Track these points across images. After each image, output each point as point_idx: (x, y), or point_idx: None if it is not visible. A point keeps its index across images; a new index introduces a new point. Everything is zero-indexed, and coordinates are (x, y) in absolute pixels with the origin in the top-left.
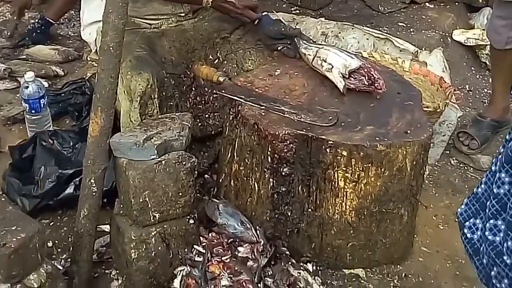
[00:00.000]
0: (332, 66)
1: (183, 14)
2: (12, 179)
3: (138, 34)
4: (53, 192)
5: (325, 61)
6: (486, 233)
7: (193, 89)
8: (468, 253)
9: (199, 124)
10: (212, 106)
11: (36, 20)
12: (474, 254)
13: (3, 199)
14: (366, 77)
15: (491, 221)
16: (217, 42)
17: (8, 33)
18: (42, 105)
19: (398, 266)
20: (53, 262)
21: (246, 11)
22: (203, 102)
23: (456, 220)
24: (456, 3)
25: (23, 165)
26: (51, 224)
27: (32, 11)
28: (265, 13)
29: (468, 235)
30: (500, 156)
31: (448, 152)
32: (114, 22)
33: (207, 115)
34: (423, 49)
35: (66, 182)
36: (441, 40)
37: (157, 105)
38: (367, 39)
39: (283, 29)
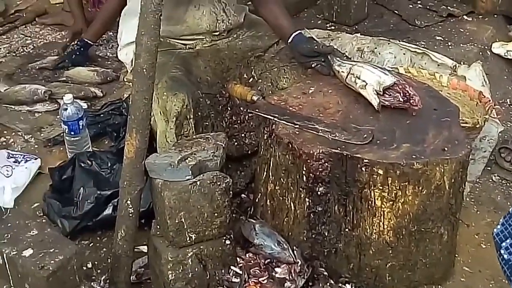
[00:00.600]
0: (366, 83)
1: (217, 33)
2: (52, 201)
3: (173, 55)
4: (92, 213)
5: (359, 78)
6: None
7: (229, 108)
8: (506, 275)
9: (236, 143)
10: (248, 125)
11: (76, 42)
12: None
13: (43, 220)
14: (401, 94)
15: None
16: (251, 60)
17: (58, 51)
18: (80, 126)
19: (440, 286)
20: (92, 283)
21: None
22: (238, 121)
23: (493, 240)
24: (495, 15)
25: (63, 187)
26: (90, 245)
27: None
28: (298, 31)
29: (505, 256)
30: None
31: (489, 168)
32: (147, 44)
33: (243, 135)
34: (462, 63)
35: (104, 203)
36: (480, 53)
37: (193, 125)
38: (404, 54)
39: (316, 47)
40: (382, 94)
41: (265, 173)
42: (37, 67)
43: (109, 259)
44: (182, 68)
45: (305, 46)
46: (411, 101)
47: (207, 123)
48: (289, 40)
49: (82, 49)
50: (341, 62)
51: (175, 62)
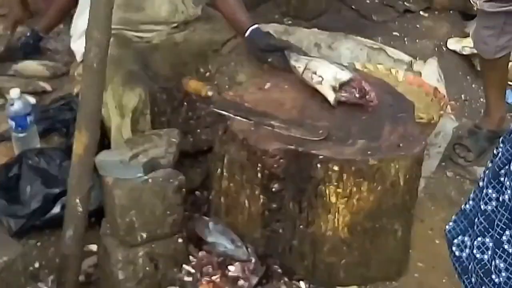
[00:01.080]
0: (323, 79)
1: (175, 25)
2: None
3: (130, 48)
4: (39, 212)
5: (315, 74)
6: (474, 251)
7: (184, 104)
8: (457, 272)
9: (191, 139)
10: (204, 121)
11: (27, 34)
12: (463, 273)
13: None
14: (357, 90)
15: (479, 238)
16: (208, 55)
17: (2, 48)
18: (28, 122)
19: (394, 282)
20: (39, 284)
21: None
22: (195, 117)
23: (444, 237)
24: (451, 11)
25: (9, 184)
26: (37, 244)
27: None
28: (255, 25)
29: (457, 253)
30: (487, 172)
31: (444, 164)
32: (98, 37)
33: (199, 130)
34: (418, 58)
35: (53, 201)
36: (436, 49)
37: (149, 120)
38: (361, 49)
39: (272, 42)
40: (338, 89)
41: (219, 169)
42: None
43: (57, 259)
44: (138, 62)
45: (262, 41)
46: (367, 97)
47: (163, 119)
48: (246, 34)
49: (33, 41)
50: (297, 57)
51: (132, 55)
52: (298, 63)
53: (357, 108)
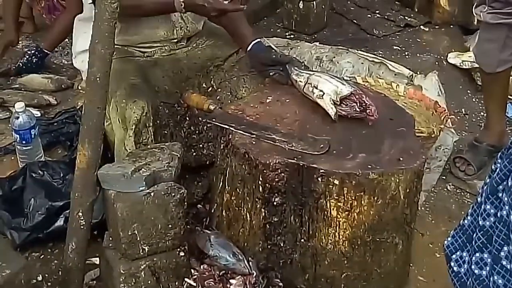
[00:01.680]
0: (324, 93)
1: (175, 41)
2: (2, 212)
3: (132, 62)
4: (43, 225)
5: (316, 88)
6: (473, 267)
7: (187, 118)
8: (455, 287)
9: (194, 153)
10: (206, 135)
11: (32, 51)
12: None
13: None
14: (358, 104)
15: (477, 254)
16: (210, 70)
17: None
18: (32, 135)
19: None
20: None
21: (219, 5)
22: (197, 131)
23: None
24: (451, 26)
25: (13, 197)
26: (41, 257)
27: (26, 39)
28: (257, 39)
29: (455, 269)
30: (485, 187)
31: (444, 177)
32: (101, 52)
33: (201, 145)
34: (418, 72)
35: (56, 214)
36: (436, 63)
37: (152, 133)
38: (362, 63)
39: (274, 56)
40: (339, 103)
41: (221, 183)
42: None
43: (60, 272)
44: (140, 76)
45: (264, 55)
46: (368, 111)
47: (165, 132)
48: (248, 48)
49: (39, 59)
50: (299, 71)
51: (134, 70)
52: (300, 77)
53: (358, 122)
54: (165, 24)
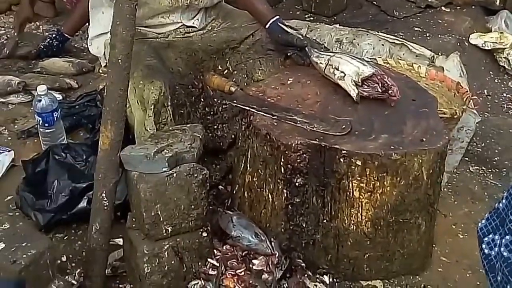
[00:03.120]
0: (345, 74)
1: (180, 8)
2: (26, 194)
3: (146, 43)
4: (66, 206)
5: (337, 69)
6: (502, 249)
7: (202, 99)
8: (485, 269)
9: (209, 135)
10: (220, 117)
11: (53, 35)
12: (490, 271)
13: (17, 214)
14: (380, 84)
15: (507, 237)
16: (226, 52)
17: (8, 51)
18: (55, 118)
19: (417, 277)
20: (67, 277)
21: None
22: (211, 113)
23: (476, 234)
24: (473, 6)
25: (37, 179)
26: (65, 238)
27: (47, 23)
28: (276, 17)
29: (486, 251)
30: None
31: (467, 158)
32: (122, 34)
33: (216, 126)
34: (440, 54)
35: (79, 196)
36: (458, 44)
37: (171, 112)
38: (383, 45)
39: (291, 40)
40: (360, 84)
41: (242, 164)
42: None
43: (84, 253)
44: (156, 57)
45: (281, 37)
46: (390, 91)
47: (182, 111)
48: (267, 26)
49: (60, 43)
50: (319, 53)
51: (149, 50)
52: (320, 59)
53: (380, 103)
54: None
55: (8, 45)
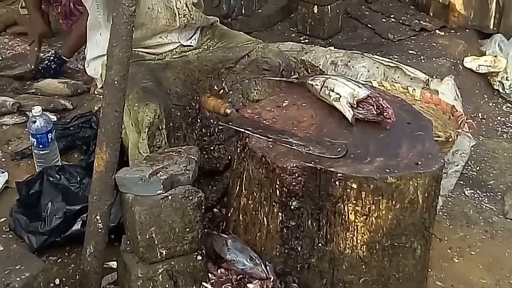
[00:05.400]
0: (340, 96)
1: (176, 28)
2: (19, 216)
3: (143, 66)
4: (60, 229)
5: (333, 91)
6: None
7: (199, 120)
8: None
9: (205, 156)
10: (217, 138)
11: (51, 58)
12: None
13: (10, 236)
14: (375, 107)
15: None
16: (222, 72)
17: (32, 66)
18: (49, 139)
19: None
20: None
21: None
22: (208, 134)
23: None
24: (467, 30)
25: (30, 201)
26: (58, 261)
27: (43, 44)
28: None
29: None
30: None
31: (462, 182)
32: (119, 55)
33: (212, 147)
34: (434, 77)
35: (73, 218)
36: (452, 67)
37: (165, 136)
38: (377, 67)
39: None
40: (355, 106)
41: (238, 187)
42: (12, 74)
43: (77, 276)
44: (152, 79)
45: None
46: (385, 113)
47: (178, 134)
48: None
49: (57, 66)
50: (313, 76)
51: (145, 72)
52: (316, 81)
53: (375, 126)
54: (165, 12)
55: (30, 60)
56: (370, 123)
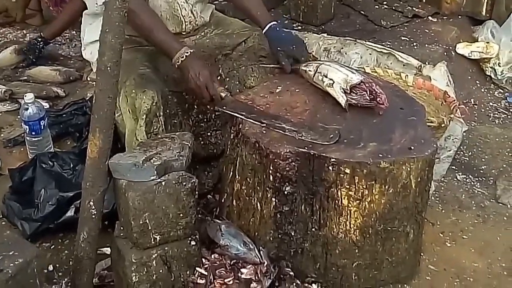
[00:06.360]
0: (333, 82)
1: (184, 33)
2: (12, 203)
3: (141, 52)
4: (53, 215)
5: (326, 77)
6: None
7: (195, 106)
8: None
9: (201, 142)
10: (214, 124)
11: (34, 39)
12: None
13: (3, 223)
14: (368, 92)
15: None
16: (219, 59)
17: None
18: (42, 126)
19: (405, 285)
20: (54, 286)
21: (203, 92)
22: (205, 120)
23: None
24: (459, 16)
25: (23, 188)
26: (52, 247)
27: (34, 32)
28: (271, 23)
29: None
30: None
31: (454, 167)
32: (111, 42)
33: (209, 133)
34: (427, 63)
35: (66, 205)
36: (445, 53)
37: (163, 123)
38: (370, 54)
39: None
40: (349, 92)
41: (231, 173)
42: None
43: (71, 262)
44: (149, 65)
45: (274, 44)
46: (378, 99)
47: (175, 121)
48: (264, 31)
49: (41, 46)
50: (307, 62)
51: (143, 59)
52: (309, 67)
53: (368, 112)
54: (173, 20)
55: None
56: (363, 109)
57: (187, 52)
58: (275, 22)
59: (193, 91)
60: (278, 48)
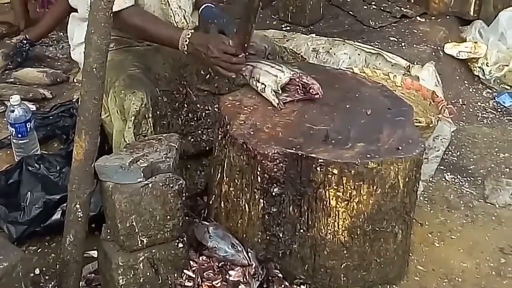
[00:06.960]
0: (265, 86)
1: None
2: None
3: (131, 52)
4: (40, 219)
5: (259, 81)
6: None
7: (185, 105)
8: None
9: (192, 140)
10: (205, 122)
11: (19, 41)
12: None
13: None
14: (300, 86)
15: None
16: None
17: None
18: (28, 129)
19: (394, 286)
20: None
21: (223, 57)
22: (195, 118)
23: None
24: (447, 17)
25: (9, 191)
26: (38, 251)
27: (21, 33)
28: (207, 4)
29: None
30: None
31: (442, 167)
32: (97, 42)
33: (199, 131)
34: (415, 63)
35: (53, 207)
36: (433, 54)
37: (152, 124)
38: (359, 54)
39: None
40: (280, 93)
41: (219, 174)
42: None
43: (57, 265)
44: (140, 66)
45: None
46: (311, 90)
47: (164, 122)
48: (200, 10)
49: (27, 48)
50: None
51: (134, 59)
52: (245, 72)
53: (356, 112)
54: None
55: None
56: (351, 109)
57: (188, 34)
58: (210, 4)
59: (217, 67)
60: (209, 21)
